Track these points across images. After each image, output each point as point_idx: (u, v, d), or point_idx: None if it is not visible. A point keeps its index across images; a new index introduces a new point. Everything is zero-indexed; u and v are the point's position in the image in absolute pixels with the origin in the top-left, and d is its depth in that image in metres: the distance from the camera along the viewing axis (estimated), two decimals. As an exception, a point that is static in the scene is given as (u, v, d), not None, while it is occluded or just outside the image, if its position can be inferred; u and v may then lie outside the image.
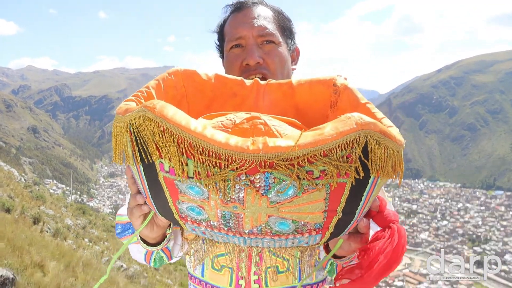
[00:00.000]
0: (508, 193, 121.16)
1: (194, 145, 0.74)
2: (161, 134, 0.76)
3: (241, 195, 0.76)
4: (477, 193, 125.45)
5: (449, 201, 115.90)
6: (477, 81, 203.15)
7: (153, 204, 0.90)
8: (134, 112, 0.80)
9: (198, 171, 0.75)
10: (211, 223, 0.83)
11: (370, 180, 0.80)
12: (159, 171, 0.80)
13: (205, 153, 0.74)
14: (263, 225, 0.81)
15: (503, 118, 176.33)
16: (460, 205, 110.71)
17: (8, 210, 9.65)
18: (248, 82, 1.15)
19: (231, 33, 1.35)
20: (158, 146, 0.77)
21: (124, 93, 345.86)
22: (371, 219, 0.92)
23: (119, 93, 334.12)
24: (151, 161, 0.80)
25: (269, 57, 1.30)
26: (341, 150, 0.74)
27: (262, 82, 1.15)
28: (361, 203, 0.83)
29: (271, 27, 1.33)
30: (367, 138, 0.75)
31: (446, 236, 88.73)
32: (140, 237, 1.12)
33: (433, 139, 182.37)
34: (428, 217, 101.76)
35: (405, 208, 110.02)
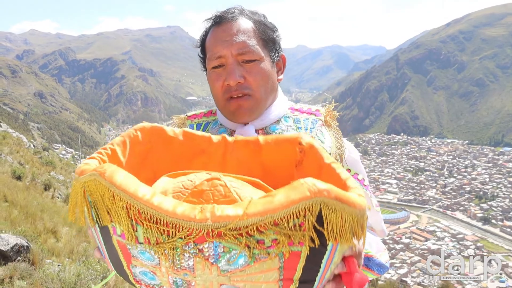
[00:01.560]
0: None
1: (142, 212, 0.74)
2: (111, 199, 0.76)
3: (190, 263, 0.75)
4: (485, 150, 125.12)
5: (457, 158, 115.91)
6: (487, 35, 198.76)
7: (111, 264, 0.89)
8: (86, 175, 0.80)
9: (148, 238, 0.75)
10: None
11: (329, 248, 0.77)
12: (112, 235, 0.80)
13: (153, 221, 0.73)
14: None
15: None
16: (467, 162, 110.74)
17: (19, 177, 9.81)
18: (215, 138, 1.14)
19: (211, 51, 1.33)
20: (109, 211, 0.77)
21: (129, 55, 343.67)
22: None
23: (124, 55, 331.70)
24: (103, 224, 0.80)
25: (250, 75, 1.29)
26: (293, 219, 0.71)
27: (230, 139, 1.14)
28: (321, 270, 0.80)
29: (251, 42, 1.30)
30: (321, 205, 0.72)
31: (453, 193, 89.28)
32: None
33: (441, 96, 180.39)
34: (436, 175, 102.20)
35: (413, 166, 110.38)
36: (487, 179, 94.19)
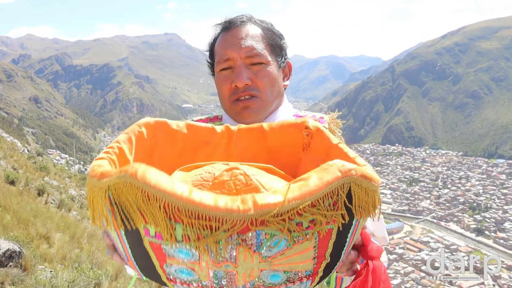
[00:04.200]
0: (510, 161, 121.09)
1: (182, 210, 0.72)
2: (146, 201, 0.74)
3: (233, 254, 0.76)
4: (479, 161, 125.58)
5: (451, 169, 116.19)
6: (482, 47, 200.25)
7: (137, 267, 0.87)
8: (113, 178, 0.77)
9: (188, 235, 0.74)
10: (202, 283, 0.81)
11: (354, 222, 0.83)
12: (144, 236, 0.78)
13: (195, 217, 0.72)
14: (256, 279, 0.81)
15: (507, 85, 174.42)
16: (461, 173, 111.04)
17: (12, 182, 9.75)
18: (219, 128, 1.15)
19: (219, 55, 1.36)
20: (143, 212, 0.75)
21: (125, 61, 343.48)
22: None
23: (121, 62, 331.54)
24: (134, 228, 0.78)
25: (257, 78, 1.32)
26: (328, 199, 0.76)
27: (233, 128, 1.15)
28: (346, 244, 0.86)
29: (259, 47, 1.34)
30: (350, 183, 0.78)
31: (447, 204, 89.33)
32: None
33: (436, 107, 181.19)
34: (430, 185, 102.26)
35: (407, 176, 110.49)
36: (481, 191, 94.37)
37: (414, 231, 75.35)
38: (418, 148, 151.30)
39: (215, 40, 1.42)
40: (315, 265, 0.83)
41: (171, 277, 0.83)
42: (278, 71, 1.39)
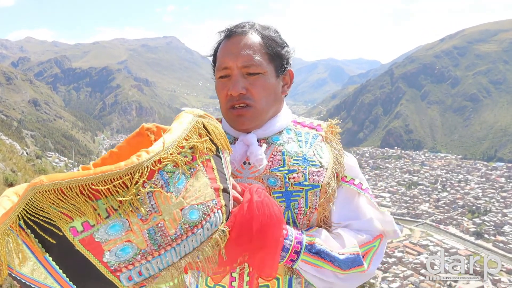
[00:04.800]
0: (509, 165, 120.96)
1: (96, 183, 0.80)
2: (62, 196, 0.78)
3: (153, 203, 0.85)
4: (478, 164, 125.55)
5: (450, 172, 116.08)
6: (481, 51, 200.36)
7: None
8: (21, 201, 0.79)
9: (111, 206, 0.81)
10: (143, 251, 0.87)
11: (220, 153, 1.03)
12: (73, 239, 0.81)
13: (109, 182, 0.80)
14: (182, 222, 0.90)
15: (506, 88, 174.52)
16: (460, 176, 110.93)
17: (11, 185, 9.70)
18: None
19: (219, 62, 1.41)
20: (63, 210, 0.78)
21: (124, 64, 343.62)
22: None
23: (120, 64, 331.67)
24: (59, 233, 0.80)
25: (253, 87, 1.35)
26: (194, 133, 0.97)
27: (88, 166, 1.23)
28: (226, 175, 1.04)
29: (256, 57, 1.36)
30: (203, 121, 1.02)
31: (446, 208, 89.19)
32: None
33: (435, 110, 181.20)
34: (429, 189, 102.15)
35: (406, 180, 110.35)
36: (480, 194, 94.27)
37: (413, 234, 75.19)
38: (417, 151, 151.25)
39: (218, 45, 1.46)
40: (215, 193, 0.98)
41: (114, 266, 0.86)
42: (275, 80, 1.42)
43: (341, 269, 1.25)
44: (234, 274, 1.30)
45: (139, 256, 0.87)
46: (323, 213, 1.35)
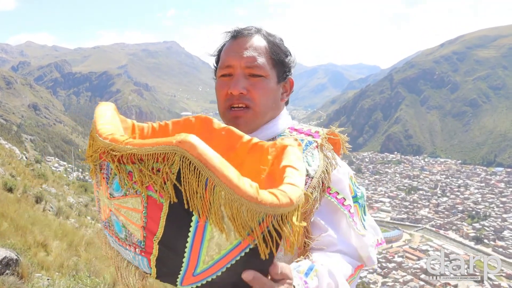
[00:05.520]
0: (508, 170, 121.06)
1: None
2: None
3: (98, 179, 0.86)
4: (478, 169, 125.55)
5: (450, 177, 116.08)
6: (480, 56, 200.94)
7: None
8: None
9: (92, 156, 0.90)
10: (104, 223, 0.91)
11: (194, 220, 0.75)
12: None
13: (91, 135, 0.91)
14: (107, 221, 0.87)
15: (505, 94, 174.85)
16: (460, 181, 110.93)
17: (10, 189, 9.70)
18: (245, 138, 1.15)
19: (222, 60, 1.40)
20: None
21: (124, 69, 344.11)
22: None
23: (120, 69, 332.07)
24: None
25: (254, 89, 1.34)
26: (154, 161, 0.75)
27: (253, 141, 1.18)
28: (188, 245, 0.77)
29: (260, 59, 1.36)
30: (181, 157, 0.73)
31: (446, 213, 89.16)
32: None
33: (435, 115, 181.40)
34: (429, 194, 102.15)
35: (406, 185, 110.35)
36: (480, 199, 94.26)
37: (413, 239, 75.17)
38: (417, 156, 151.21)
39: (223, 47, 1.46)
40: (145, 238, 0.80)
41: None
42: (277, 85, 1.41)
43: None
44: None
45: (107, 225, 0.91)
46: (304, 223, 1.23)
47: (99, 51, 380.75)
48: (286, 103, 1.51)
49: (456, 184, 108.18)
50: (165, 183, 0.73)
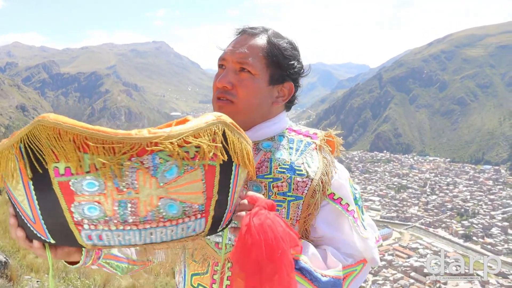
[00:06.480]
0: (496, 167, 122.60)
1: (89, 138, 0.84)
2: (57, 137, 0.84)
3: (134, 180, 0.86)
4: (466, 167, 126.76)
5: (439, 175, 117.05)
6: (468, 55, 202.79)
7: (44, 225, 0.93)
8: (26, 127, 0.87)
9: (94, 164, 0.85)
10: (107, 218, 0.89)
11: (233, 167, 0.98)
12: (53, 178, 0.86)
13: (100, 142, 0.84)
14: (156, 210, 0.90)
15: (493, 92, 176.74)
16: (449, 179, 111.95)
17: (-1, 191, 9.62)
18: None
19: (222, 53, 1.44)
20: (54, 149, 0.84)
21: (113, 69, 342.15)
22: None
23: (109, 69, 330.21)
24: (45, 167, 0.86)
25: (239, 85, 1.35)
26: (207, 135, 0.92)
27: None
28: (230, 190, 1.00)
29: (253, 57, 1.37)
30: (224, 127, 0.97)
31: (435, 211, 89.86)
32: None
33: (423, 114, 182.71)
34: (418, 192, 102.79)
35: (395, 183, 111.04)
36: (468, 197, 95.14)
37: (402, 237, 75.58)
38: (406, 155, 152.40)
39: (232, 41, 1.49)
40: (205, 201, 0.96)
41: (78, 218, 0.90)
42: (268, 86, 1.39)
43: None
44: (215, 277, 1.32)
45: (103, 221, 0.90)
46: (304, 227, 1.32)
47: (88, 52, 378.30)
48: (288, 108, 1.52)
49: (445, 182, 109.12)
50: (216, 145, 0.92)
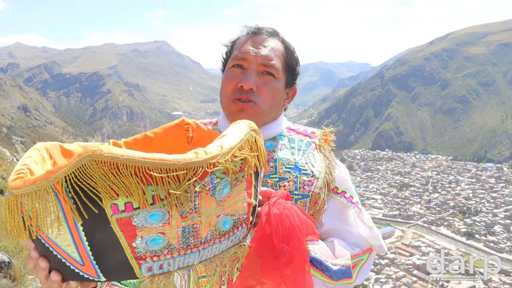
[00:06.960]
0: (499, 165, 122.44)
1: (152, 169, 0.79)
2: (116, 172, 0.78)
3: (196, 203, 0.85)
4: (468, 165, 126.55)
5: (441, 174, 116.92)
6: (469, 53, 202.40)
7: (94, 263, 0.87)
8: (72, 164, 0.78)
9: (159, 194, 0.81)
10: (172, 247, 0.87)
11: (259, 170, 1.02)
12: (111, 216, 0.80)
13: (164, 171, 0.80)
14: (214, 229, 0.90)
15: (495, 90, 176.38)
16: (451, 177, 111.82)
17: (1, 192, 9.66)
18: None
19: (238, 52, 1.40)
20: (112, 186, 0.78)
21: (115, 69, 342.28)
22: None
23: (110, 69, 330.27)
24: (101, 207, 0.80)
25: (264, 87, 1.35)
26: (247, 146, 0.95)
27: (119, 142, 1.22)
28: (258, 192, 1.04)
29: (276, 60, 1.38)
30: (255, 136, 1.01)
31: (438, 209, 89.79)
32: None
33: (425, 112, 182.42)
34: (420, 190, 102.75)
35: (397, 181, 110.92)
36: (471, 195, 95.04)
37: (405, 235, 75.52)
38: (408, 153, 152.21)
39: (238, 39, 1.47)
40: (247, 208, 0.98)
41: (140, 253, 0.85)
42: (284, 90, 1.44)
43: (332, 279, 1.25)
44: (223, 278, 1.31)
45: (167, 251, 0.87)
46: None
47: (89, 52, 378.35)
48: (285, 108, 1.54)
49: (447, 180, 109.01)
50: (256, 155, 0.97)
